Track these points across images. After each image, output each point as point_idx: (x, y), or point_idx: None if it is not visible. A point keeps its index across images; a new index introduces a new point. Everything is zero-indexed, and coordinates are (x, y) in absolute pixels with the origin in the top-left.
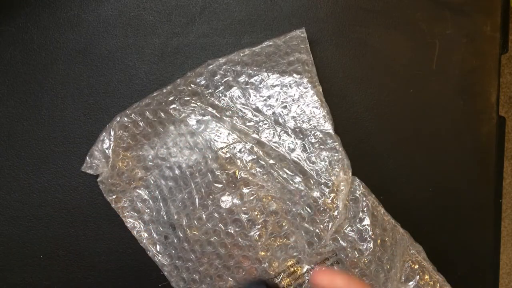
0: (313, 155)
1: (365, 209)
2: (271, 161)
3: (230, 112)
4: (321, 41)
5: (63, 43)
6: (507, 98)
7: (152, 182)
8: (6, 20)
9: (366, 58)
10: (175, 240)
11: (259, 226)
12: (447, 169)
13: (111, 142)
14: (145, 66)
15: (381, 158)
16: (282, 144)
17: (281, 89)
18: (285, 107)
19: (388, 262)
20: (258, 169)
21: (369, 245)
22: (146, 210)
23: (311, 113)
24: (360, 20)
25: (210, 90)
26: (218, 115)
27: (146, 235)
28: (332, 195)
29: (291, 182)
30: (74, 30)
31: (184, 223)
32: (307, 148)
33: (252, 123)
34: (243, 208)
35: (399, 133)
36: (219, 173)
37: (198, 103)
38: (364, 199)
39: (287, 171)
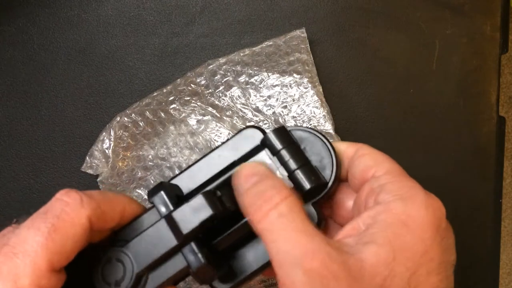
0: None
1: None
2: None
3: (230, 112)
4: (321, 41)
5: (63, 43)
6: (507, 98)
7: (152, 182)
8: (6, 20)
9: (366, 58)
10: None
11: None
12: (447, 169)
13: (111, 142)
14: (145, 66)
15: None
16: None
17: (281, 89)
18: (285, 107)
19: None
20: None
21: None
22: None
23: (311, 113)
24: (360, 20)
25: (210, 90)
26: (218, 115)
27: None
28: None
29: None
30: (74, 30)
31: None
32: None
33: (252, 123)
34: None
35: (399, 133)
36: None
37: (198, 103)
38: None
39: None
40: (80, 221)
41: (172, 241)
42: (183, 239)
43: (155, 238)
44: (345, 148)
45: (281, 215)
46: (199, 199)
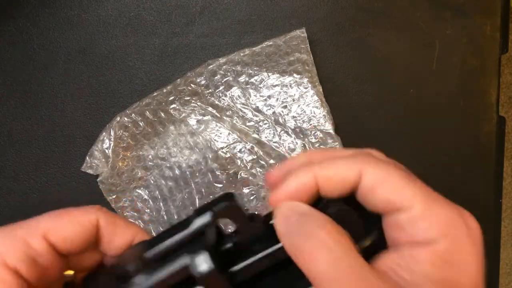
0: None
1: None
2: (272, 161)
3: (230, 112)
4: (321, 41)
5: (63, 43)
6: (507, 98)
7: (152, 182)
8: (6, 20)
9: (366, 58)
10: None
11: None
12: (447, 169)
13: (111, 142)
14: (145, 66)
15: None
16: (283, 144)
17: (281, 89)
18: (285, 107)
19: None
20: (258, 169)
21: None
22: (146, 210)
23: (311, 113)
24: (360, 20)
25: (210, 90)
26: (218, 115)
27: None
28: None
29: None
30: (74, 30)
31: None
32: (308, 148)
33: (252, 123)
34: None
35: (399, 133)
36: (219, 173)
37: (198, 103)
38: None
39: None
40: (88, 216)
41: (185, 231)
42: (194, 231)
43: (175, 229)
44: (346, 174)
45: (336, 260)
46: (221, 195)
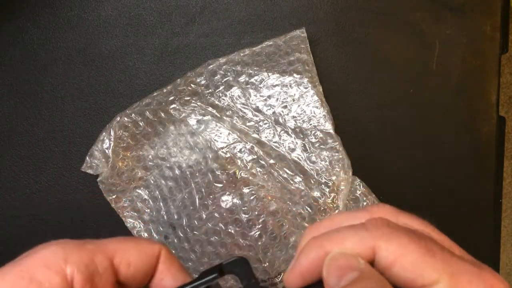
0: (313, 155)
1: None
2: (271, 161)
3: (230, 112)
4: (321, 41)
5: (63, 43)
6: (507, 98)
7: (152, 182)
8: (6, 20)
9: (366, 58)
10: (175, 240)
11: (259, 226)
12: (447, 169)
13: (111, 142)
14: (145, 66)
15: (381, 158)
16: (283, 144)
17: (281, 89)
18: (285, 107)
19: None
20: (258, 169)
21: None
22: (146, 210)
23: (311, 113)
24: (360, 20)
25: (210, 90)
26: (218, 115)
27: (146, 235)
28: (333, 195)
29: (292, 182)
30: (74, 30)
31: (184, 223)
32: (308, 148)
33: (252, 123)
34: (243, 208)
35: (399, 133)
36: (219, 173)
37: (198, 103)
38: (365, 199)
39: (287, 171)
40: (153, 246)
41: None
42: (202, 274)
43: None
44: (357, 251)
45: None
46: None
